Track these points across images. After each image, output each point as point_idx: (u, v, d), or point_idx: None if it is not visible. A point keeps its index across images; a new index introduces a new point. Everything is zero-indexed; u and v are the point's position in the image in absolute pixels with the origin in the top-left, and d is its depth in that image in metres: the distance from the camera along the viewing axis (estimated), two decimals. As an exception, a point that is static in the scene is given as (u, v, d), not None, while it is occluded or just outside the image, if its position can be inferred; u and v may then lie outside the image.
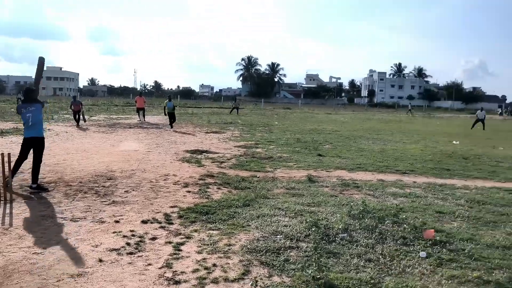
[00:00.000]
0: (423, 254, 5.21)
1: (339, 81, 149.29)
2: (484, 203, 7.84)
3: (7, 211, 6.69)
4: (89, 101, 55.56)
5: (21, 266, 4.70)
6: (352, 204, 7.18)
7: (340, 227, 6.02)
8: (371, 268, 4.78)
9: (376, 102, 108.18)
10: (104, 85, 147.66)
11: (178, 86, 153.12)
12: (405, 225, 6.15)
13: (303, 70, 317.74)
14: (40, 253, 5.08)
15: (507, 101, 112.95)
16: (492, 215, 7.08)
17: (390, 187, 9.10)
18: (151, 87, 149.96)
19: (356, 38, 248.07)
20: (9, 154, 7.56)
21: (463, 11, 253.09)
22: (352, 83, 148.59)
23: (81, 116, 22.67)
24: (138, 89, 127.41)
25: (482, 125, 30.14)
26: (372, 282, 4.45)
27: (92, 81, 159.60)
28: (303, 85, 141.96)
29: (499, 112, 69.88)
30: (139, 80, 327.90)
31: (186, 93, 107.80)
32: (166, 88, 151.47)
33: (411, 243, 5.59)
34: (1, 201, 7.05)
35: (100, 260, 4.89)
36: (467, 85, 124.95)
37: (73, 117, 22.97)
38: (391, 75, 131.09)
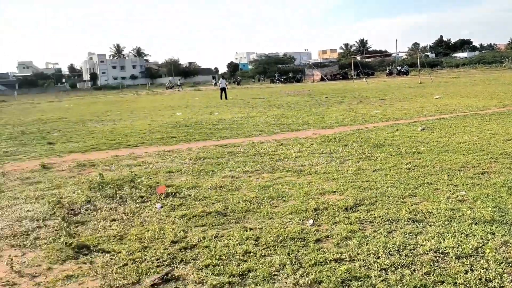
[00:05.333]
0: (158, 205, 6.79)
1: (57, 66, 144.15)
2: (205, 158, 10.18)
3: None
4: None
5: None
6: (91, 179, 8.51)
7: (83, 200, 7.20)
8: (117, 225, 6.03)
9: (101, 85, 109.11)
10: None
11: None
12: (141, 187, 7.71)
13: (13, 58, 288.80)
14: None
15: (219, 73, 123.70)
16: (211, 166, 9.37)
17: (125, 160, 10.70)
18: None
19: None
20: None
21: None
22: (71, 67, 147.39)
23: None
24: None
25: (225, 95, 33.86)
26: (119, 235, 5.66)
27: None
28: (16, 75, 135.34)
29: (213, 83, 76.56)
30: None
31: None
32: None
33: (148, 200, 7.13)
34: None
35: None
36: (184, 61, 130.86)
37: None
38: (111, 57, 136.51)
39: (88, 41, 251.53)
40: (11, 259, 4.91)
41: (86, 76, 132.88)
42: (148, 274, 4.49)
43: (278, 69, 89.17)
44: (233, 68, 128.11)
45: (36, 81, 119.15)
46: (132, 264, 4.77)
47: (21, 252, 5.33)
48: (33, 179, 9.20)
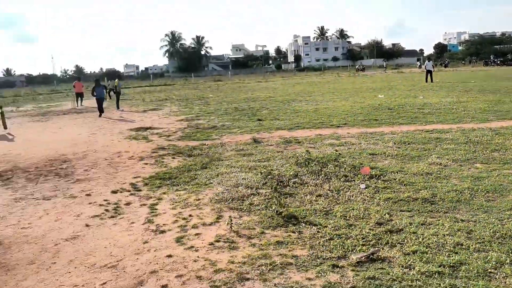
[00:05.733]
0: (363, 186, 6.93)
1: (265, 49, 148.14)
2: (409, 143, 9.95)
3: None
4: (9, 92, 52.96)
5: (15, 239, 5.75)
6: (297, 155, 9.08)
7: (291, 173, 7.72)
8: (322, 201, 6.33)
9: (304, 66, 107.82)
10: (22, 75, 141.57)
11: (101, 68, 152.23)
12: (345, 166, 7.97)
13: (228, 41, 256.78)
14: (28, 228, 6.13)
15: (424, 54, 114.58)
16: (416, 151, 9.09)
17: (328, 139, 11.13)
18: (72, 72, 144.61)
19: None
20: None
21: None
22: (278, 49, 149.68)
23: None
24: (59, 75, 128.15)
25: (431, 77, 31.77)
26: (324, 210, 5.94)
27: (8, 72, 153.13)
28: (230, 56, 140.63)
29: (418, 65, 69.93)
30: (58, 66, 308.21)
31: (111, 75, 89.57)
32: (89, 72, 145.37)
33: (352, 179, 7.33)
34: None
35: (87, 225, 6.07)
36: (387, 42, 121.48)
37: None
38: (315, 39, 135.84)
39: (294, 24, 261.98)
40: (231, 220, 5.54)
41: (291, 58, 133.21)
42: (354, 251, 4.61)
43: (494, 50, 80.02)
44: (441, 49, 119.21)
45: (246, 62, 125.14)
46: (337, 239, 4.95)
47: (238, 215, 5.99)
48: (246, 151, 10.18)
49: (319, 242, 4.88)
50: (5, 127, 17.73)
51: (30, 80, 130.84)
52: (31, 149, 12.51)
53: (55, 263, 4.91)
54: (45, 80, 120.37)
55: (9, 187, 8.36)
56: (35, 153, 11.79)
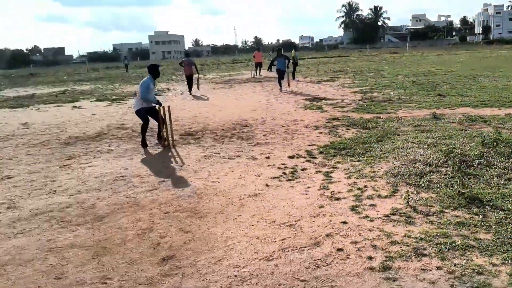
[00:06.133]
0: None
1: (448, 19, 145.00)
2: None
3: (175, 153, 8.88)
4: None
5: (206, 190, 6.39)
6: (484, 134, 8.23)
7: (476, 153, 7.06)
8: (513, 186, 5.59)
9: (493, 39, 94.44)
10: (208, 45, 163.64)
11: (278, 40, 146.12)
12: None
13: (407, 11, 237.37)
14: (216, 182, 6.79)
15: None
16: None
17: (522, 120, 9.62)
18: (252, 43, 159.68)
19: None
20: (168, 106, 9.81)
21: None
22: (464, 20, 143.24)
23: (195, 82, 20.55)
24: (239, 46, 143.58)
25: None
26: (516, 196, 5.29)
27: (196, 42, 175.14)
28: (408, 27, 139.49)
29: None
30: (239, 37, 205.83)
31: (287, 46, 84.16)
32: (266, 43, 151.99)
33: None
34: (168, 146, 9.46)
35: (267, 185, 6.46)
36: None
37: (187, 83, 21.18)
38: (510, 8, 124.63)
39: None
40: (408, 195, 5.44)
41: (478, 29, 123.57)
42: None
43: None
44: None
45: (426, 34, 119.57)
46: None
47: (415, 191, 5.82)
48: (424, 127, 9.72)
49: (507, 228, 4.52)
50: (198, 88, 20.96)
51: (215, 50, 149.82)
52: (216, 113, 13.91)
53: (240, 215, 5.42)
54: (227, 50, 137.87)
55: (199, 145, 9.44)
56: (221, 116, 13.08)
